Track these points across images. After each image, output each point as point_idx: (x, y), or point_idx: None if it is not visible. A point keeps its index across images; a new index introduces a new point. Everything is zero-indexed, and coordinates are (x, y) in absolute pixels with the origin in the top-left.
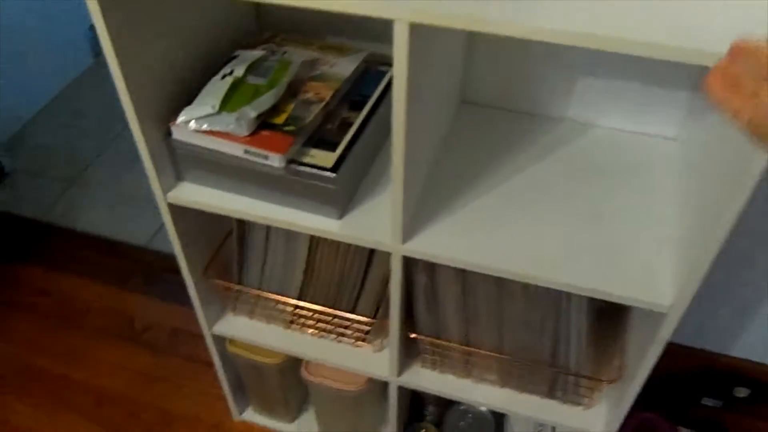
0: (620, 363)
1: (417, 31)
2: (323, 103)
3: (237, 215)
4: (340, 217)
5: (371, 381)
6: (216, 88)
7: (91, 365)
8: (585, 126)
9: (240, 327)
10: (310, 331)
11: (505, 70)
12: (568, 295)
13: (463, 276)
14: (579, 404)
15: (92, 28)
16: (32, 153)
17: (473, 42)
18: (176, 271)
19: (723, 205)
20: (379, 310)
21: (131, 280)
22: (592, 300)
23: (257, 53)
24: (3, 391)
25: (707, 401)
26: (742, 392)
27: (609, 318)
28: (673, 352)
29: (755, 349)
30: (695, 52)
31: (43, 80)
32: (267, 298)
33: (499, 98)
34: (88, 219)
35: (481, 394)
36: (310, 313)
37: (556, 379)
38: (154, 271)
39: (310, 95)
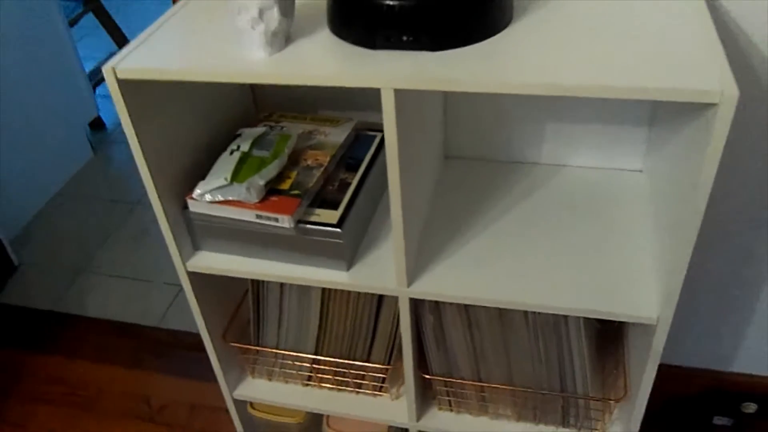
0: (625, 382)
1: (400, 95)
2: (322, 168)
3: (252, 276)
4: (348, 268)
5: (392, 429)
6: (226, 163)
7: None
8: (558, 167)
9: (260, 389)
10: (329, 385)
11: (481, 123)
12: (566, 319)
13: (467, 312)
14: (593, 429)
15: (91, 124)
16: (40, 245)
17: (450, 100)
18: (190, 347)
19: (686, 223)
20: (393, 356)
21: (145, 360)
22: (589, 321)
23: (259, 130)
24: None
25: (718, 420)
26: (750, 408)
27: (608, 340)
28: (679, 374)
29: (759, 364)
30: (640, 89)
31: (46, 176)
32: (285, 357)
33: (478, 150)
34: (98, 304)
35: (498, 430)
36: (328, 367)
37: (568, 406)
38: (167, 348)
39: (310, 162)
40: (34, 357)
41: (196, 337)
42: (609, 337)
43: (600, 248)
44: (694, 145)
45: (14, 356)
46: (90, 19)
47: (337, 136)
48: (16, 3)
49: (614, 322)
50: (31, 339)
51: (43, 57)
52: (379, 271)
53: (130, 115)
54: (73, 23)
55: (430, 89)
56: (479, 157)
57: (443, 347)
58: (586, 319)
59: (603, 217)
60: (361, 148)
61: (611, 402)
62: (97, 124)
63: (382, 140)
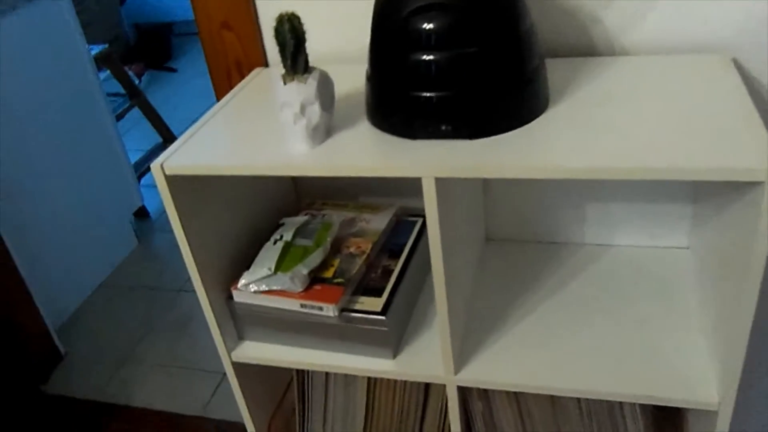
0: None
1: (441, 183)
2: (365, 255)
3: (297, 366)
4: (394, 356)
5: None
6: (270, 253)
7: None
8: (603, 247)
9: None
10: None
11: (521, 206)
12: (621, 405)
13: (517, 399)
14: None
15: (135, 215)
16: (85, 335)
17: (490, 185)
18: None
19: (741, 301)
20: None
21: None
22: (645, 406)
23: (301, 219)
24: None
25: None
26: None
27: (668, 425)
28: None
29: None
30: (683, 170)
31: (92, 266)
32: None
33: (520, 232)
34: (143, 393)
35: None
36: None
37: None
38: None
39: (352, 249)
40: None
41: (241, 427)
42: (668, 421)
43: (651, 329)
44: (742, 223)
45: None
46: (135, 112)
47: (378, 222)
48: (66, 98)
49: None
50: (78, 429)
51: (91, 150)
52: (426, 358)
53: (177, 209)
54: (119, 117)
55: (470, 177)
56: (521, 239)
57: None
58: (642, 404)
59: (651, 297)
60: (402, 234)
61: None
62: (141, 213)
63: (423, 225)
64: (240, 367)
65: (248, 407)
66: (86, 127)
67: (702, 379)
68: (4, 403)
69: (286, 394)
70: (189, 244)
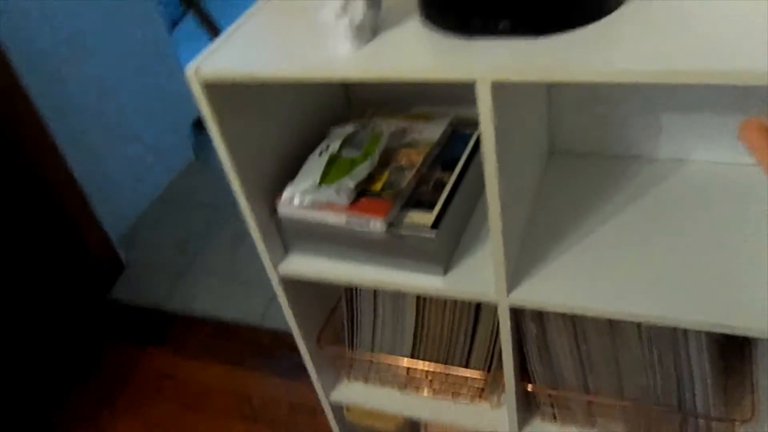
0: (752, 401)
1: (498, 88)
2: (415, 168)
3: (345, 282)
4: (444, 273)
5: None
6: (315, 164)
7: None
8: (678, 162)
9: (356, 393)
10: (426, 392)
11: (590, 116)
12: (685, 333)
13: (573, 322)
14: None
15: (193, 125)
16: (146, 245)
17: (556, 91)
18: (289, 347)
19: None
20: (493, 363)
21: (247, 360)
22: (711, 335)
23: (349, 128)
24: None
25: None
26: None
27: (733, 354)
28: None
29: None
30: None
31: (150, 177)
32: (380, 362)
33: (588, 145)
34: (202, 304)
35: None
36: (424, 374)
37: (686, 424)
38: (267, 348)
39: (402, 162)
40: (146, 353)
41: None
42: (733, 349)
43: (725, 253)
44: None
45: (126, 351)
46: (191, 21)
47: (431, 133)
48: (118, 8)
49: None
50: (142, 335)
51: (146, 59)
52: (477, 276)
53: (216, 118)
54: (174, 24)
55: (532, 80)
56: (588, 153)
57: (547, 358)
58: (708, 332)
59: (728, 218)
60: (457, 146)
61: (736, 422)
62: (199, 125)
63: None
64: (288, 282)
65: (297, 322)
66: (140, 35)
67: None
68: (73, 310)
69: (336, 309)
70: (230, 156)
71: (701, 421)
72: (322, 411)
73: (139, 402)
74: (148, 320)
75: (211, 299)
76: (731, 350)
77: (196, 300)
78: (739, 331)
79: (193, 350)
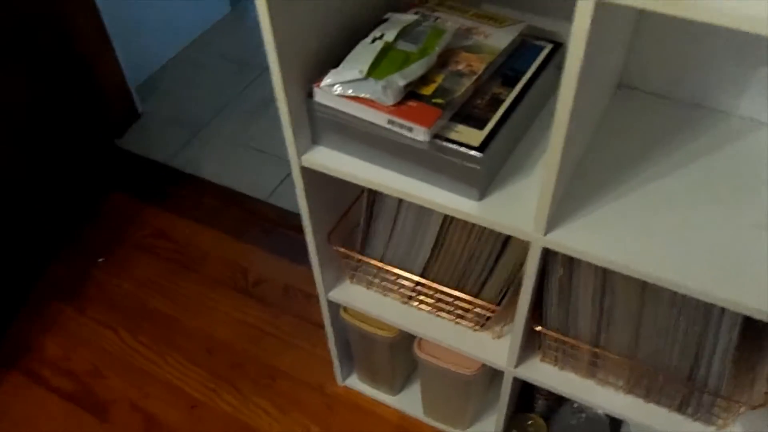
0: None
1: (601, 8)
2: (475, 77)
3: (371, 185)
4: (480, 198)
5: (485, 367)
6: (365, 52)
7: (203, 312)
8: (759, 123)
9: (356, 296)
10: (428, 309)
11: (672, 54)
12: (722, 311)
13: (604, 274)
14: (711, 424)
15: None
16: (164, 97)
17: (642, 21)
18: (294, 228)
19: None
20: (505, 297)
21: (248, 232)
22: (748, 318)
23: (409, 17)
24: (118, 325)
25: None
26: None
27: (756, 337)
28: None
29: None
30: None
31: (179, 26)
32: (388, 272)
33: (662, 84)
34: (212, 167)
35: (603, 397)
36: (432, 292)
37: (691, 395)
38: (272, 225)
39: (461, 66)
40: (147, 208)
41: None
42: (759, 333)
43: None
44: None
45: (128, 202)
46: None
47: (498, 39)
48: None
49: None
50: (145, 190)
51: None
52: (515, 208)
53: None
54: None
55: (649, 8)
56: (660, 93)
57: (565, 303)
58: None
59: None
60: (524, 59)
61: (741, 406)
62: None
63: (551, 53)
64: (308, 173)
65: (310, 215)
66: None
67: None
68: (80, 152)
69: (351, 208)
70: (272, 23)
71: (708, 397)
72: (317, 299)
73: (133, 256)
74: (154, 175)
75: (222, 164)
76: (754, 336)
77: (207, 162)
78: None
79: (194, 213)
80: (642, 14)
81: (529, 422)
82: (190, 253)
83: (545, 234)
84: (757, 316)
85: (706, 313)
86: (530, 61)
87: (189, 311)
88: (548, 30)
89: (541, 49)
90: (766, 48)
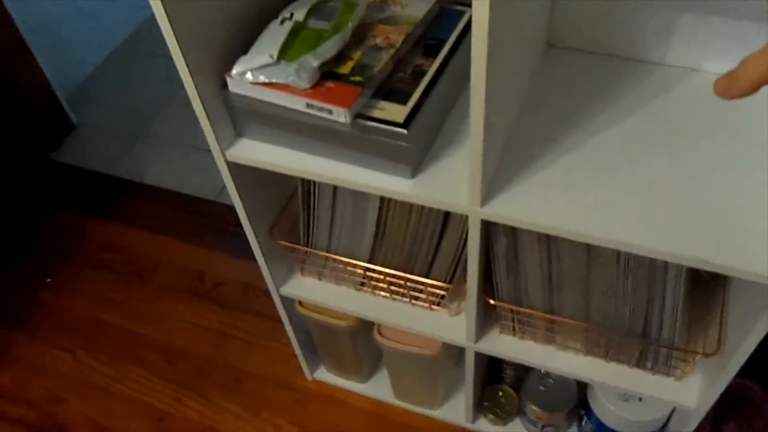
0: (719, 336)
1: None
2: (394, 49)
3: (301, 174)
4: (413, 176)
5: (447, 345)
6: (274, 35)
7: (161, 321)
8: (687, 71)
9: (309, 289)
10: (383, 294)
11: (597, 8)
12: (666, 264)
13: (548, 240)
14: (670, 375)
15: None
16: (99, 104)
17: None
18: None
19: None
20: (455, 274)
21: (200, 235)
22: (691, 268)
23: None
24: (73, 346)
25: None
26: None
27: (706, 286)
28: None
29: None
30: None
31: (105, 29)
32: (336, 261)
33: (590, 41)
34: (155, 172)
35: (564, 362)
36: (382, 276)
37: (647, 349)
38: (223, 225)
39: (378, 40)
40: (91, 221)
41: None
42: (707, 288)
43: (726, 182)
44: None
45: (71, 217)
46: None
47: (416, 8)
48: None
49: None
50: (89, 203)
51: None
52: (449, 183)
53: None
54: None
55: None
56: (590, 49)
57: (514, 274)
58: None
59: (737, 143)
60: (444, 27)
61: (697, 355)
62: None
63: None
64: (237, 168)
65: (247, 211)
66: None
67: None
68: (13, 170)
69: (291, 199)
70: (168, 14)
71: (662, 350)
72: None
73: (82, 273)
74: (95, 186)
75: (166, 168)
76: (706, 283)
77: (150, 167)
78: (724, 270)
79: (143, 221)
80: None
81: (500, 393)
82: (142, 262)
83: (482, 206)
84: (697, 265)
85: (651, 268)
86: (451, 27)
87: (147, 323)
88: None
89: (462, 14)
90: None
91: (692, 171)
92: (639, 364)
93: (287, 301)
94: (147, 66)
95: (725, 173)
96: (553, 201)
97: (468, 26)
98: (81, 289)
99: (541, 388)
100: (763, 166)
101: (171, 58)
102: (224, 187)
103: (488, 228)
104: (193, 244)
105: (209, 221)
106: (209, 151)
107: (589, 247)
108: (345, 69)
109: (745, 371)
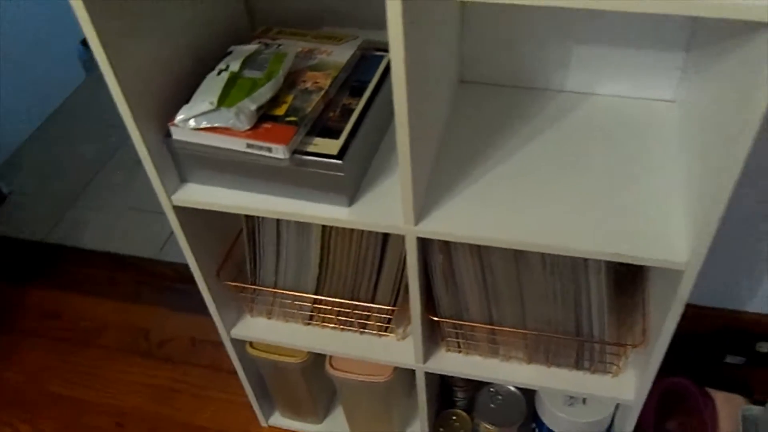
0: (644, 327)
1: (410, 4)
2: (323, 92)
3: (245, 212)
4: (350, 204)
5: (398, 371)
6: (213, 84)
7: (108, 385)
8: (585, 95)
9: (259, 328)
10: (331, 325)
11: (499, 45)
12: (586, 262)
13: (480, 253)
14: (607, 372)
15: (83, 43)
16: (31, 173)
17: (467, 19)
18: (189, 280)
19: (727, 159)
20: (399, 296)
21: (143, 294)
22: (609, 264)
23: (252, 47)
24: (20, 419)
25: (731, 359)
26: (764, 347)
27: (629, 282)
28: (693, 313)
29: None
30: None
31: (35, 100)
32: (284, 296)
33: (497, 75)
34: (93, 235)
35: (509, 372)
36: (330, 307)
37: (582, 349)
38: (166, 282)
39: (308, 84)
40: (28, 291)
41: None
42: (629, 278)
43: (626, 185)
44: (742, 76)
45: (6, 290)
46: None
47: (340, 55)
48: None
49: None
50: (24, 272)
51: None
52: (384, 207)
53: (96, 30)
54: None
55: None
56: (498, 83)
57: (453, 289)
58: (608, 260)
59: (630, 152)
60: (367, 70)
61: (628, 347)
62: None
63: None
64: (183, 212)
65: (194, 255)
66: None
67: (672, 240)
68: None
69: (237, 241)
70: (115, 72)
71: (596, 346)
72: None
73: (21, 344)
74: (31, 255)
75: (104, 230)
76: (626, 277)
77: (87, 231)
78: (633, 260)
79: (83, 286)
80: (463, 10)
81: (453, 417)
82: (84, 327)
83: (416, 224)
84: (611, 258)
85: (573, 268)
86: (373, 70)
87: (93, 388)
88: (386, 41)
89: (382, 58)
90: (580, 25)
91: (596, 178)
92: (578, 365)
93: (238, 344)
94: (80, 134)
95: (624, 179)
96: (479, 215)
97: (388, 68)
98: (21, 361)
99: (492, 405)
100: (652, 170)
101: (102, 125)
102: (165, 244)
103: (425, 246)
104: (135, 303)
105: (152, 279)
106: (147, 210)
107: (516, 255)
108: (280, 111)
109: (683, 370)
